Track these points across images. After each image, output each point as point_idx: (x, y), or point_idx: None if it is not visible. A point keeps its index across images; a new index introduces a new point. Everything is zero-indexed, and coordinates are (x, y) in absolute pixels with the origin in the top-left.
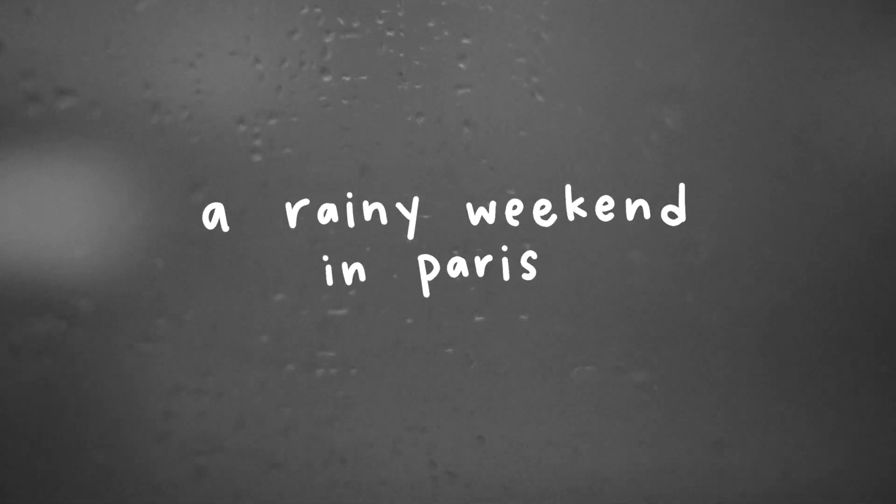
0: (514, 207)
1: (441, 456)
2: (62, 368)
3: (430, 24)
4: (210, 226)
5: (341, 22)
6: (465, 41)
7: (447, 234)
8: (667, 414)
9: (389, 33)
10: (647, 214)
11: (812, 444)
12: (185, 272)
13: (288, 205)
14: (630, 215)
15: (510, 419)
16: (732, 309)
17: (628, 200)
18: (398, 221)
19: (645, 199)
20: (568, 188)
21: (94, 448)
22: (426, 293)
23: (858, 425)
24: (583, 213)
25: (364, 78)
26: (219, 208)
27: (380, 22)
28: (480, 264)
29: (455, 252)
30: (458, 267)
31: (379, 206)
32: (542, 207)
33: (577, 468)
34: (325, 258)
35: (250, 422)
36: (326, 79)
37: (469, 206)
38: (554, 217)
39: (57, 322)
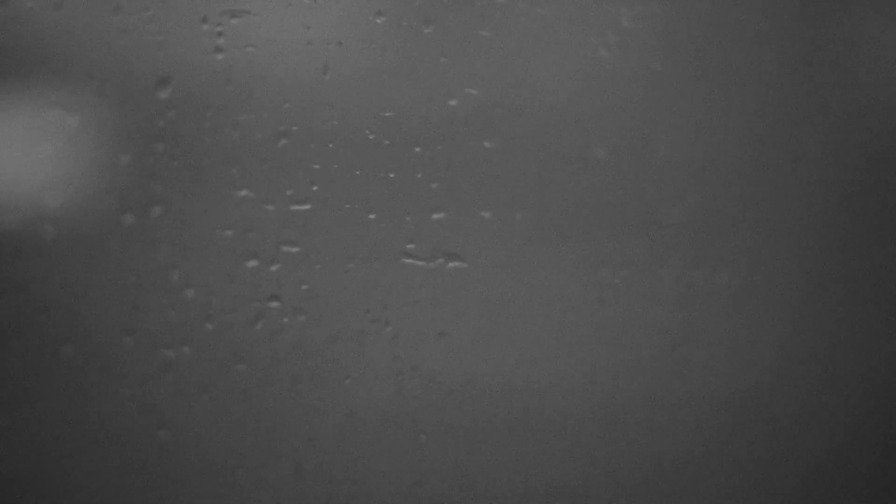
0: (475, 105)
1: (404, 350)
2: (29, 265)
3: None
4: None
5: None
6: None
7: (408, 131)
8: (629, 310)
9: None
10: (607, 111)
11: (771, 343)
12: (150, 168)
13: (249, 104)
14: (591, 112)
15: (472, 314)
16: (692, 204)
17: (589, 97)
18: (359, 119)
19: (605, 96)
20: (528, 85)
21: (62, 342)
22: (388, 189)
23: (821, 323)
24: (544, 110)
25: None
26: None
27: None
28: (442, 160)
29: (416, 149)
30: (419, 163)
31: (341, 103)
32: (503, 105)
33: (538, 363)
34: (289, 154)
35: (215, 315)
36: None
37: (430, 103)
38: (515, 114)
39: (24, 219)
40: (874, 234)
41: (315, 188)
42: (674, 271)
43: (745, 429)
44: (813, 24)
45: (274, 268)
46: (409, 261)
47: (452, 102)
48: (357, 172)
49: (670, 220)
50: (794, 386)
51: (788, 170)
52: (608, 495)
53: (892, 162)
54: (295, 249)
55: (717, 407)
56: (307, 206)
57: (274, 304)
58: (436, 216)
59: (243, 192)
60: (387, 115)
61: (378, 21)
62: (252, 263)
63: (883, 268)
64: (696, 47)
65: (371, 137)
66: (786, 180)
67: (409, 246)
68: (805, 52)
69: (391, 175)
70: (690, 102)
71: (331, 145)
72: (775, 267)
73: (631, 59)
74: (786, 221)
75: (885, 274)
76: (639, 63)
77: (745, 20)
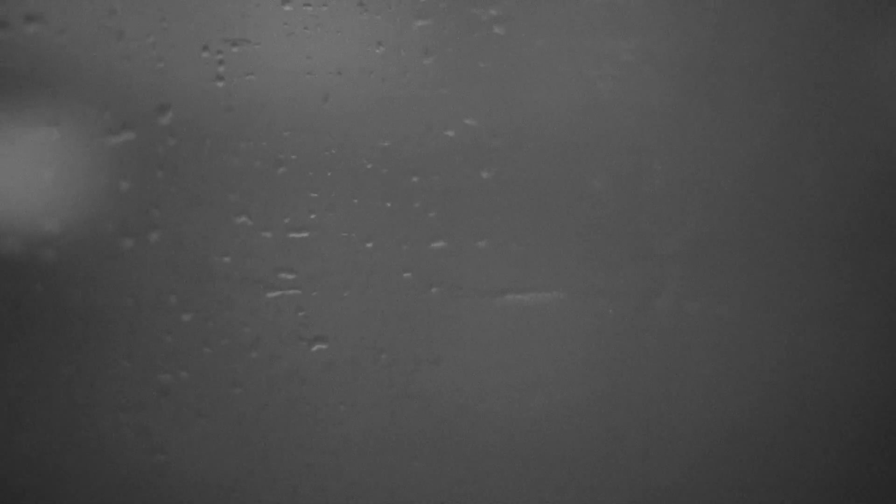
0: (473, 135)
1: (399, 377)
2: (29, 288)
3: None
4: (174, 148)
5: None
6: None
7: (406, 161)
8: (624, 339)
9: None
10: (604, 142)
11: (766, 372)
12: (150, 194)
13: (248, 131)
14: (588, 143)
15: (467, 342)
16: (687, 235)
17: (586, 129)
18: (358, 148)
19: (603, 127)
20: (526, 116)
21: (60, 363)
22: (386, 217)
23: (817, 351)
24: (542, 141)
25: (325, 8)
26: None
27: None
28: (439, 190)
29: (414, 178)
30: (417, 192)
31: (340, 132)
32: (501, 136)
33: (532, 391)
34: (287, 182)
35: (213, 340)
36: (288, 8)
37: (428, 133)
38: (512, 144)
39: (24, 242)
40: (871, 263)
41: (313, 216)
42: (669, 301)
43: (739, 455)
44: (809, 55)
45: (271, 294)
46: (406, 289)
47: (450, 133)
48: (355, 201)
49: (666, 250)
50: (790, 413)
51: (785, 199)
52: None
53: (890, 190)
54: (292, 276)
55: (711, 434)
56: (305, 234)
57: (271, 330)
58: (433, 245)
59: (242, 219)
60: (385, 144)
61: (378, 51)
62: (249, 289)
63: (880, 295)
64: (693, 80)
65: (369, 166)
66: (782, 210)
67: (406, 274)
68: (802, 84)
69: (389, 204)
70: (687, 134)
71: (329, 174)
72: (770, 296)
73: (628, 91)
74: (782, 250)
75: (882, 301)
76: (636, 95)
77: (741, 51)
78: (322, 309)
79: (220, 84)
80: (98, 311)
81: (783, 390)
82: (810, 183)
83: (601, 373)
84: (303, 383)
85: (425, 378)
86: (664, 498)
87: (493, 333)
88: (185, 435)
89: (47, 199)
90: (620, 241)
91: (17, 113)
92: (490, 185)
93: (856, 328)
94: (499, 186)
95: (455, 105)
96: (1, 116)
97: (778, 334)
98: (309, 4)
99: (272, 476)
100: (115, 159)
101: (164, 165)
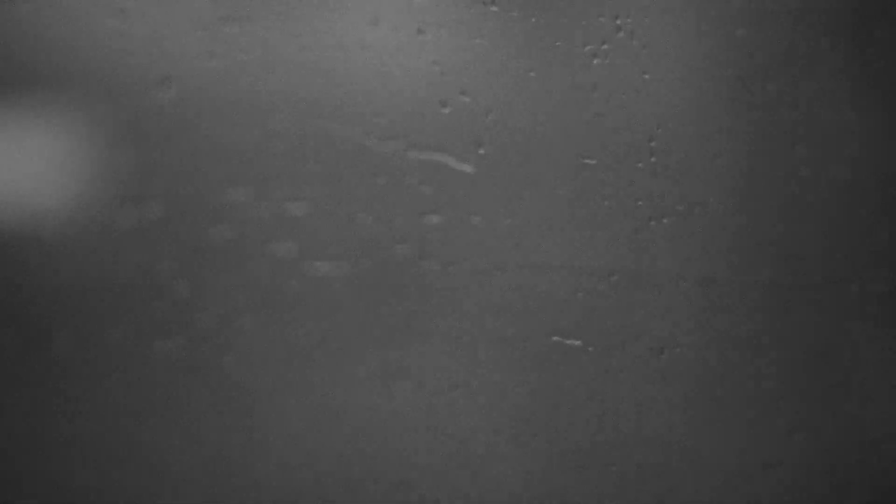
0: (467, 111)
1: (392, 351)
2: (32, 257)
3: None
4: (171, 122)
5: None
6: None
7: (402, 135)
8: (616, 313)
9: None
10: (599, 119)
11: (757, 349)
12: (146, 164)
13: (245, 105)
14: (582, 120)
15: (460, 317)
16: (681, 212)
17: (581, 105)
18: (353, 122)
19: (597, 104)
20: (521, 93)
21: (59, 328)
22: (380, 192)
23: (809, 326)
24: (537, 117)
25: None
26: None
27: None
28: (433, 165)
29: (409, 153)
30: (410, 167)
31: (334, 107)
32: (493, 112)
33: (526, 366)
34: (283, 156)
35: (207, 311)
36: None
37: (423, 108)
38: (504, 120)
39: (21, 212)
40: (868, 238)
41: (308, 189)
42: (660, 278)
43: (728, 432)
44: (805, 31)
45: (265, 266)
46: (399, 262)
47: (445, 110)
48: (350, 175)
49: (659, 227)
50: (781, 391)
51: (779, 179)
52: (596, 495)
53: (887, 167)
54: (286, 248)
55: (702, 411)
56: (299, 206)
57: (265, 301)
58: (426, 220)
59: (238, 190)
60: (381, 120)
61: (374, 27)
62: (243, 259)
63: (877, 272)
64: (688, 56)
65: (364, 142)
66: (775, 190)
67: (400, 248)
68: (796, 64)
69: (384, 179)
70: (681, 111)
71: (325, 147)
72: (762, 274)
73: (623, 68)
74: (774, 230)
75: (876, 279)
76: (630, 71)
77: (735, 26)
78: (315, 281)
79: (218, 59)
80: (94, 281)
81: (776, 366)
82: (805, 162)
83: (595, 347)
84: (295, 356)
85: (418, 352)
86: (657, 470)
87: (485, 308)
88: (176, 403)
89: (45, 170)
90: (614, 218)
91: (14, 86)
92: (485, 161)
93: (850, 300)
94: (493, 162)
95: (451, 81)
96: None
97: (770, 309)
98: None
99: (262, 447)
100: (112, 132)
101: (160, 137)
